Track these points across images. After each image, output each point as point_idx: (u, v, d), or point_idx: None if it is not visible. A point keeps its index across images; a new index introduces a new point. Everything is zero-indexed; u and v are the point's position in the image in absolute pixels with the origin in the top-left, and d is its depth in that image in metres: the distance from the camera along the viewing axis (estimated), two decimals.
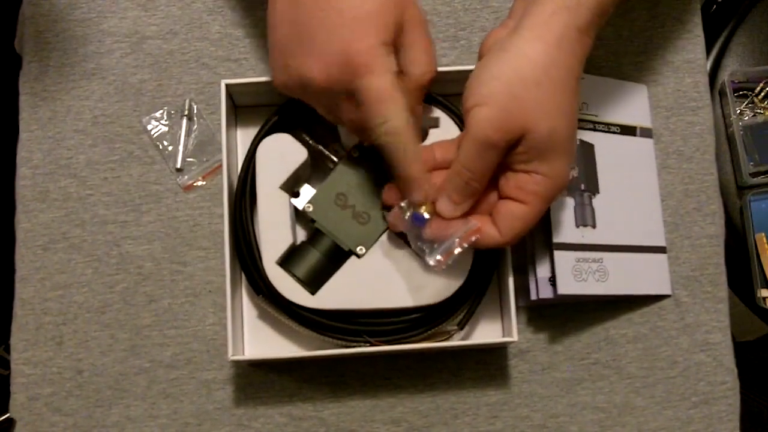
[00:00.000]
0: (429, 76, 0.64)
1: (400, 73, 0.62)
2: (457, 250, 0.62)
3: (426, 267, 0.68)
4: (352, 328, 0.69)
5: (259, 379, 0.75)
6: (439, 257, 0.63)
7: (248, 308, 0.75)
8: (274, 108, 0.72)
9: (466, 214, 0.63)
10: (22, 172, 0.77)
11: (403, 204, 0.64)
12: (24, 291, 0.75)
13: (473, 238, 0.62)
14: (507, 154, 0.60)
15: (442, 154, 0.65)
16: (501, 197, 0.63)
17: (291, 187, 0.71)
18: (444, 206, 0.62)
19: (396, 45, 0.62)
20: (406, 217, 0.64)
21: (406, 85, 0.62)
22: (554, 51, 0.58)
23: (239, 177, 0.72)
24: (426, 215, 0.63)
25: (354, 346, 0.69)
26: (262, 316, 0.74)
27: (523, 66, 0.58)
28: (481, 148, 0.59)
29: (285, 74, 0.64)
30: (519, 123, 0.58)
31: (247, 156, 0.72)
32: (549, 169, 0.60)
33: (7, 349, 0.76)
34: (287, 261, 0.69)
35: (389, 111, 0.60)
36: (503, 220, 0.62)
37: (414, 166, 0.62)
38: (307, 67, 0.61)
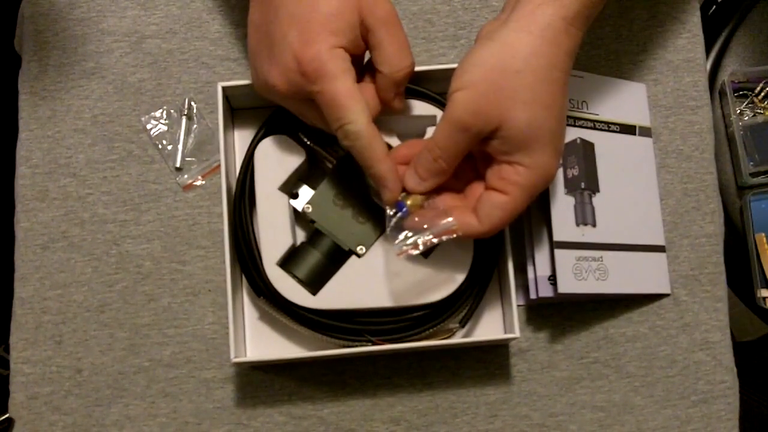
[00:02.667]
0: (401, 73, 0.64)
1: (378, 72, 0.63)
2: (421, 244, 0.62)
3: (427, 265, 0.68)
4: (354, 328, 0.69)
5: (259, 378, 0.75)
6: (404, 247, 0.62)
7: (249, 309, 0.75)
8: (272, 110, 0.72)
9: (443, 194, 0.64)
10: (22, 171, 0.77)
11: None
12: (23, 290, 0.75)
13: (444, 237, 0.62)
14: (486, 144, 0.61)
15: None
16: (486, 189, 0.63)
17: (290, 189, 0.71)
18: (410, 179, 0.63)
19: (368, 45, 0.63)
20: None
21: (381, 83, 0.64)
22: (537, 41, 0.59)
23: (238, 179, 0.72)
24: (406, 204, 0.63)
25: (356, 346, 0.69)
26: (263, 317, 0.74)
27: (504, 54, 0.59)
28: (454, 129, 0.60)
29: (256, 80, 0.66)
30: (496, 111, 0.59)
31: (245, 158, 0.72)
32: (531, 160, 0.60)
33: (7, 349, 0.76)
34: (287, 262, 0.69)
35: (344, 115, 0.61)
36: (483, 209, 0.62)
37: (378, 166, 0.62)
38: (269, 74, 0.63)
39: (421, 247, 0.62)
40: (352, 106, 0.60)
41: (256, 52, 0.65)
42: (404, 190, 0.63)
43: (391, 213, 0.63)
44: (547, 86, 0.59)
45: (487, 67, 0.59)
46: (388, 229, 0.63)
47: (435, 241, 0.62)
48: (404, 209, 0.63)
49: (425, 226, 0.62)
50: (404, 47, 0.64)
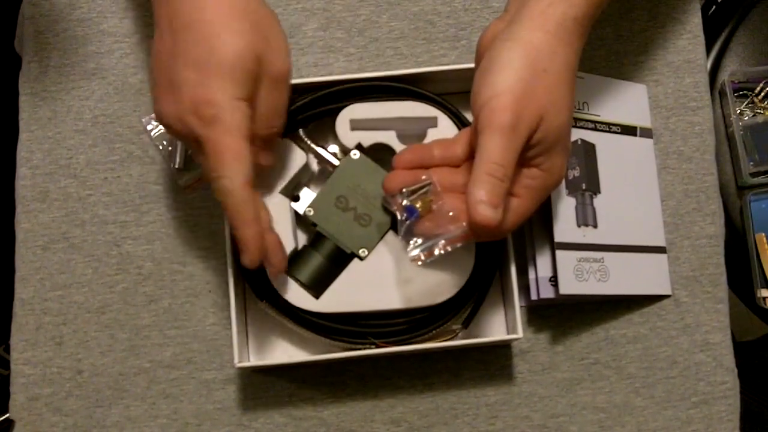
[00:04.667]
0: (269, 132, 0.62)
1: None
2: (437, 251, 0.61)
3: (430, 267, 0.68)
4: (357, 331, 0.69)
5: (259, 380, 0.75)
6: (418, 253, 0.62)
7: (252, 313, 0.75)
8: None
9: None
10: (22, 172, 0.77)
11: (404, 190, 0.63)
12: (24, 291, 0.75)
13: (459, 244, 0.61)
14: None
15: (441, 152, 0.65)
16: None
17: (291, 192, 0.71)
18: (487, 213, 0.56)
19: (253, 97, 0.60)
20: (402, 204, 0.63)
21: (253, 132, 0.61)
22: (554, 40, 0.58)
23: None
24: (417, 209, 0.62)
25: (359, 349, 0.69)
26: (266, 320, 0.74)
27: (529, 53, 0.58)
28: (508, 137, 0.56)
29: (154, 107, 0.62)
30: (536, 112, 0.57)
31: None
32: (549, 164, 0.60)
33: (7, 349, 0.76)
34: (290, 266, 0.69)
35: (222, 170, 0.58)
36: None
37: (243, 230, 0.60)
38: (164, 109, 0.60)
39: (435, 254, 0.62)
40: (233, 163, 0.58)
41: (157, 82, 0.61)
42: (411, 194, 0.63)
43: (402, 218, 0.63)
44: (566, 86, 0.59)
45: (518, 68, 0.57)
46: (400, 235, 0.63)
47: (449, 249, 0.61)
48: (415, 213, 0.62)
49: (438, 232, 0.62)
50: (281, 111, 0.63)
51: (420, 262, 0.62)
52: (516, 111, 0.56)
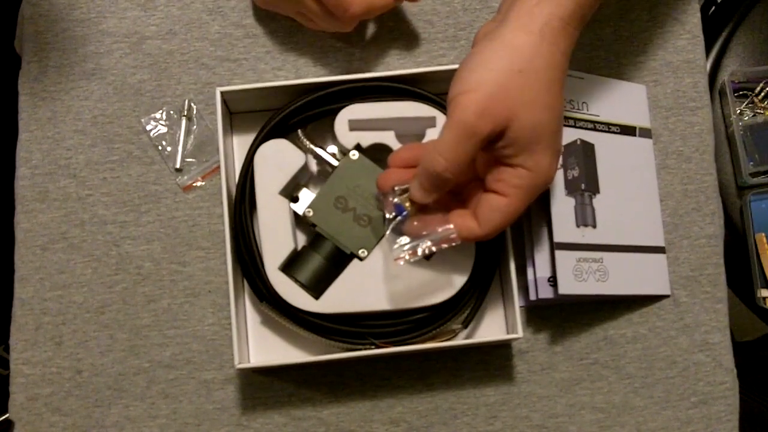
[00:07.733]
0: None
1: None
2: (421, 251, 0.62)
3: (429, 267, 0.68)
4: (358, 331, 0.69)
5: (259, 380, 0.75)
6: (401, 253, 0.62)
7: (251, 314, 0.75)
8: (270, 113, 0.72)
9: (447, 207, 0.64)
10: (22, 172, 0.77)
11: (396, 188, 0.63)
12: (23, 291, 0.75)
13: (444, 245, 0.61)
14: (492, 148, 0.60)
15: None
16: (484, 191, 0.62)
17: (290, 192, 0.71)
18: (415, 192, 0.62)
19: None
20: (392, 201, 0.63)
21: None
22: (537, 40, 0.58)
23: (238, 184, 0.72)
24: (406, 208, 0.62)
25: (360, 349, 0.69)
26: (266, 321, 0.74)
27: (507, 54, 0.58)
28: (461, 134, 0.58)
29: None
30: (504, 112, 0.57)
31: (245, 162, 0.72)
32: (533, 163, 0.59)
33: (7, 349, 0.76)
34: (290, 266, 0.69)
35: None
36: (483, 213, 0.61)
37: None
38: None
39: (419, 255, 0.62)
40: None
41: None
42: (403, 192, 0.63)
43: (391, 216, 0.63)
44: (548, 86, 0.59)
45: (491, 68, 0.58)
46: (387, 233, 0.63)
47: (434, 249, 0.62)
48: (404, 213, 0.62)
49: (425, 232, 0.62)
50: None
51: (403, 262, 0.62)
52: (478, 110, 0.57)
